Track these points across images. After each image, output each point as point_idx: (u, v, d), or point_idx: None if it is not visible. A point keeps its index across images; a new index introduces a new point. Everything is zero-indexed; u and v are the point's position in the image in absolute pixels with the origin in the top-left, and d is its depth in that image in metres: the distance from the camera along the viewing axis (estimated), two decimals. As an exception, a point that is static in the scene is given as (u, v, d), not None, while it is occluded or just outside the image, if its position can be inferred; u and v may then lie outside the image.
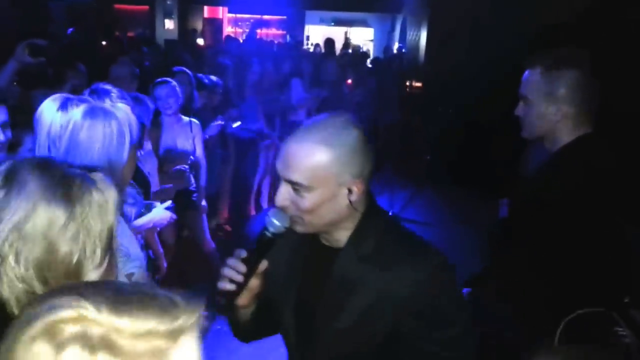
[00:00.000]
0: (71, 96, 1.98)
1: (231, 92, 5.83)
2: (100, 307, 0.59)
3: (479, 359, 1.30)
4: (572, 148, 1.84)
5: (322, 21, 15.45)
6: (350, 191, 1.26)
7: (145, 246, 2.54)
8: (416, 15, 9.93)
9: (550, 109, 1.84)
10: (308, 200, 1.25)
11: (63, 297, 0.61)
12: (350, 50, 11.77)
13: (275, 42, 11.72)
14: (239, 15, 14.85)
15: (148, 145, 3.43)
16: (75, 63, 4.19)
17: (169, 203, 2.43)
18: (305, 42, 13.76)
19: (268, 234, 1.29)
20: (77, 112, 1.76)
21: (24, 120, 2.32)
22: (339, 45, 11.42)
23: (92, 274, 0.99)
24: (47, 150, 1.82)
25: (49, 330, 0.58)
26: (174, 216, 2.46)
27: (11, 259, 0.95)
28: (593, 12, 4.94)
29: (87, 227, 0.98)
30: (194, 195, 3.98)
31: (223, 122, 4.85)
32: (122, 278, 1.72)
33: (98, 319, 0.58)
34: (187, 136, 3.99)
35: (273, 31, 14.82)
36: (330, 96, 6.86)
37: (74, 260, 0.97)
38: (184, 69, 4.55)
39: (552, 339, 1.56)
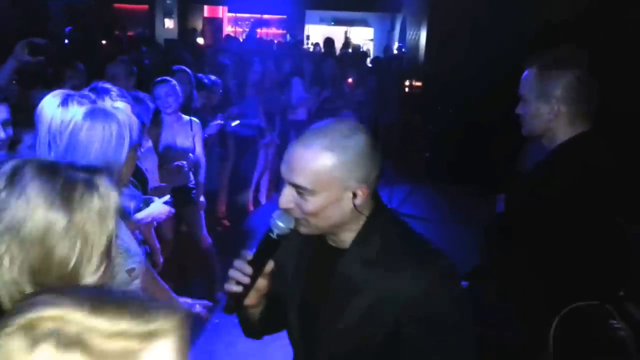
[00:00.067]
0: (72, 92, 1.99)
1: (231, 91, 5.84)
2: (78, 307, 0.60)
3: (479, 359, 1.30)
4: (568, 146, 1.86)
5: (322, 21, 15.45)
6: (355, 195, 1.26)
7: (143, 241, 2.55)
8: (416, 14, 9.94)
9: (545, 108, 1.86)
10: (311, 203, 1.25)
11: (45, 297, 0.62)
12: (350, 50, 11.77)
13: (275, 41, 11.73)
14: (239, 15, 14.85)
15: (149, 143, 3.45)
16: (75, 62, 4.19)
17: (167, 197, 2.44)
18: (305, 41, 13.76)
19: (273, 235, 1.30)
20: (78, 112, 1.77)
21: (23, 119, 2.33)
22: (339, 45, 11.42)
23: (88, 280, 0.99)
24: (48, 146, 1.83)
25: (26, 326, 0.59)
26: (173, 210, 2.47)
27: (6, 262, 0.95)
28: (592, 12, 4.95)
29: (85, 234, 0.98)
30: (193, 192, 4.01)
31: (223, 122, 4.86)
32: (122, 274, 1.73)
33: (74, 318, 0.60)
34: (187, 135, 4.00)
35: (273, 31, 14.82)
36: (331, 95, 6.88)
37: (70, 266, 0.97)
38: (184, 67, 4.56)
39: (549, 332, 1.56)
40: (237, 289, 1.30)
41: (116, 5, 13.47)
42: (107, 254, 1.03)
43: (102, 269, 1.01)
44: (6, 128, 2.21)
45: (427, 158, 7.36)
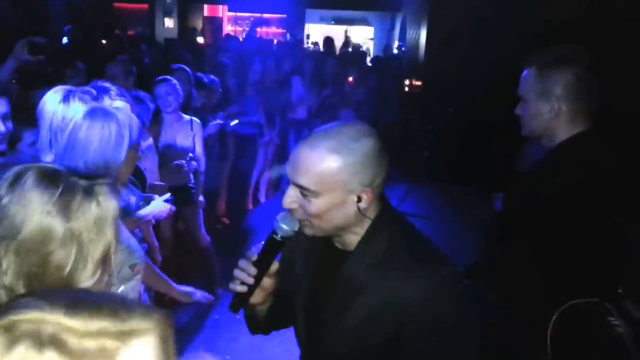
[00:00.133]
0: (73, 88, 2.00)
1: (231, 90, 5.85)
2: (57, 309, 0.62)
3: (479, 359, 1.30)
4: (568, 145, 1.85)
5: (322, 20, 15.45)
6: (359, 199, 1.26)
7: (142, 239, 2.56)
8: (416, 13, 9.93)
9: (545, 107, 1.86)
10: (315, 205, 1.26)
11: (26, 300, 0.64)
12: (350, 49, 11.76)
13: (275, 40, 11.72)
14: (238, 14, 14.85)
15: (149, 141, 3.45)
16: (75, 62, 4.19)
17: (167, 196, 2.45)
18: (305, 40, 13.77)
19: (277, 237, 1.31)
20: (79, 111, 1.78)
21: (23, 118, 2.34)
22: (339, 44, 11.41)
23: (84, 285, 1.00)
24: (49, 143, 1.84)
25: (6, 327, 0.61)
26: (173, 208, 2.48)
27: (3, 266, 0.96)
28: (593, 12, 4.95)
29: (81, 242, 0.99)
30: (192, 191, 4.01)
31: (222, 121, 4.87)
32: (126, 269, 1.74)
33: (52, 319, 0.61)
34: (187, 134, 4.00)
35: (273, 30, 14.82)
36: (331, 95, 6.88)
37: (65, 273, 0.98)
38: (183, 66, 4.56)
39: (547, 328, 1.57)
40: (242, 289, 1.32)
41: (116, 4, 13.46)
42: (104, 261, 1.03)
43: (97, 274, 1.02)
44: (6, 122, 2.22)
45: (427, 158, 7.37)
